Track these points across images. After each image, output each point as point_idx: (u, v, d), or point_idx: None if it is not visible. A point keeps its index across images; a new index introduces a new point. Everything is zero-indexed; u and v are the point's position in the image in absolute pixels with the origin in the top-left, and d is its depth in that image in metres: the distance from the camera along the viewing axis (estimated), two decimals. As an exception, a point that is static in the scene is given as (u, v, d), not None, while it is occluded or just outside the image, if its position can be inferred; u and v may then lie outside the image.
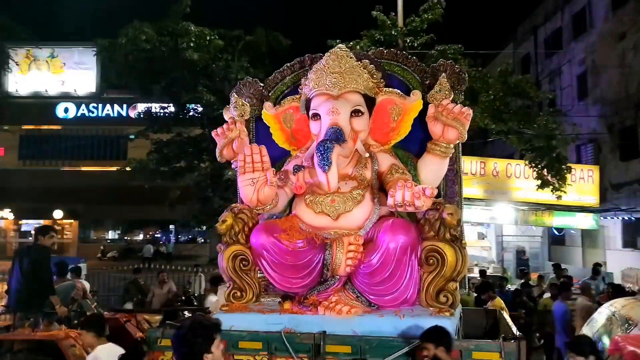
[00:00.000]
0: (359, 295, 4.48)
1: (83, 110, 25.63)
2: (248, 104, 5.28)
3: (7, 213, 25.57)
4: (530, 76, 15.33)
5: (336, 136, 4.59)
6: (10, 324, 5.53)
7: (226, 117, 5.11)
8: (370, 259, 4.35)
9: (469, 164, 15.72)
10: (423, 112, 4.82)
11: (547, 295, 9.23)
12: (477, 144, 19.53)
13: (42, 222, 27.13)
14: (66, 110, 25.51)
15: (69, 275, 7.66)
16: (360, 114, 4.85)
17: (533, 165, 12.05)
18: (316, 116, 4.87)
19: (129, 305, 8.91)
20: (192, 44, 14.18)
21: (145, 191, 14.29)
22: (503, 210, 15.92)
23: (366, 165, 4.87)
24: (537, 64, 20.84)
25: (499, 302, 7.36)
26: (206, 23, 15.33)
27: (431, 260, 4.35)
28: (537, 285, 11.38)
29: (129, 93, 22.08)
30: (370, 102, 4.98)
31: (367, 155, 4.87)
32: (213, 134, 4.93)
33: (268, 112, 5.36)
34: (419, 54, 12.55)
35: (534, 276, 13.37)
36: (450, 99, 4.63)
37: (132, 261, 17.95)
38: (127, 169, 15.31)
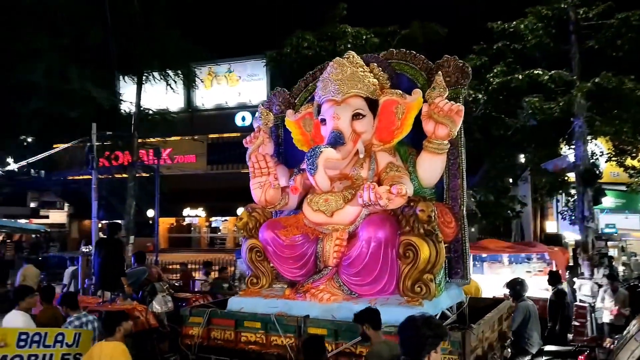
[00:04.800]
0: (341, 284, 4.91)
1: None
2: (272, 114, 5.94)
3: (200, 211, 29.29)
4: None
5: (335, 140, 4.92)
6: (101, 299, 7.01)
7: (254, 126, 5.71)
8: (350, 252, 4.76)
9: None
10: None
11: None
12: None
13: (228, 219, 30.52)
14: (243, 119, 28.31)
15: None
16: (361, 116, 5.09)
17: None
18: (324, 121, 5.25)
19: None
20: (349, 45, 14.69)
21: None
22: None
23: (363, 165, 5.14)
24: None
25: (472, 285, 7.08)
26: (362, 23, 15.73)
27: (407, 254, 4.58)
28: None
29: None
30: (375, 104, 5.19)
31: (362, 155, 5.11)
32: (244, 141, 5.62)
33: (289, 119, 5.89)
34: (594, 26, 11.24)
35: None
36: (445, 96, 4.64)
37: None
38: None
